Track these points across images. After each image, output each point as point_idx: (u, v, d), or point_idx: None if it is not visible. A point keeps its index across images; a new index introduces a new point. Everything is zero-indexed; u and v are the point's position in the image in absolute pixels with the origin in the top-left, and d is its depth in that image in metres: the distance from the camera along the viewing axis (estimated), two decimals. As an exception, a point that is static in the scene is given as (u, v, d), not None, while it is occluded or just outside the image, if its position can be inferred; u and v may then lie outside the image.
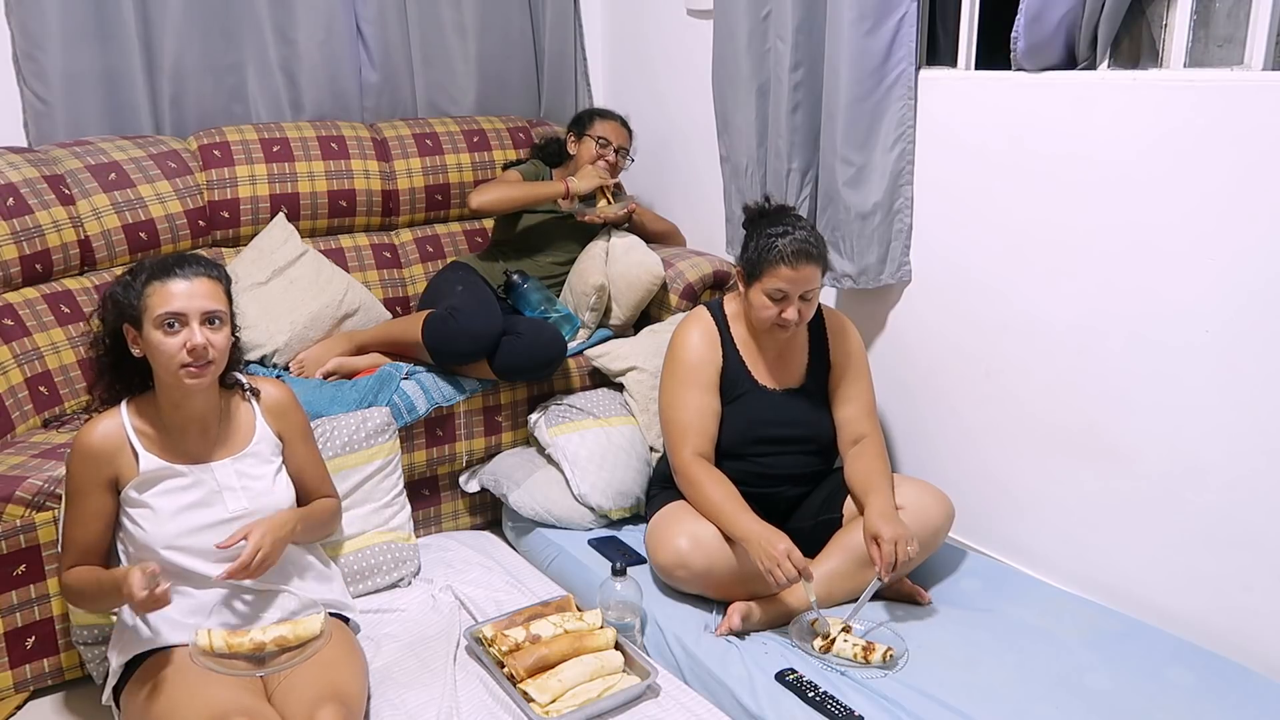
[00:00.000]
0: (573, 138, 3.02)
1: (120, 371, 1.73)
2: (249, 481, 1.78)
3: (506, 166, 3.08)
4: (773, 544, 1.93)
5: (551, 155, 3.07)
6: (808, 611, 1.99)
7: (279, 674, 1.64)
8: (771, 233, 2.09)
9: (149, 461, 1.70)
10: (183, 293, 1.64)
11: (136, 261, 1.78)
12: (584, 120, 3.03)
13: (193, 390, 1.69)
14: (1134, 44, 2.11)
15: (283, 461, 1.87)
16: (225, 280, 1.74)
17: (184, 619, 1.68)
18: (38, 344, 2.36)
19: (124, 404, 1.74)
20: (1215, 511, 2.01)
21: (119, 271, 2.58)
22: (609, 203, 2.90)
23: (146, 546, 1.69)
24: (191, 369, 1.65)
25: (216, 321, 1.68)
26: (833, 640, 1.92)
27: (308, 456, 1.93)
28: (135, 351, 1.68)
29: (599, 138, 2.96)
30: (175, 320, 1.64)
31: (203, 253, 2.74)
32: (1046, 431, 2.30)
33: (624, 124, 3.04)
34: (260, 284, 2.66)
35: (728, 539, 2.05)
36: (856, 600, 2.03)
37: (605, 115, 3.03)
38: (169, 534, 1.69)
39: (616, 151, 2.97)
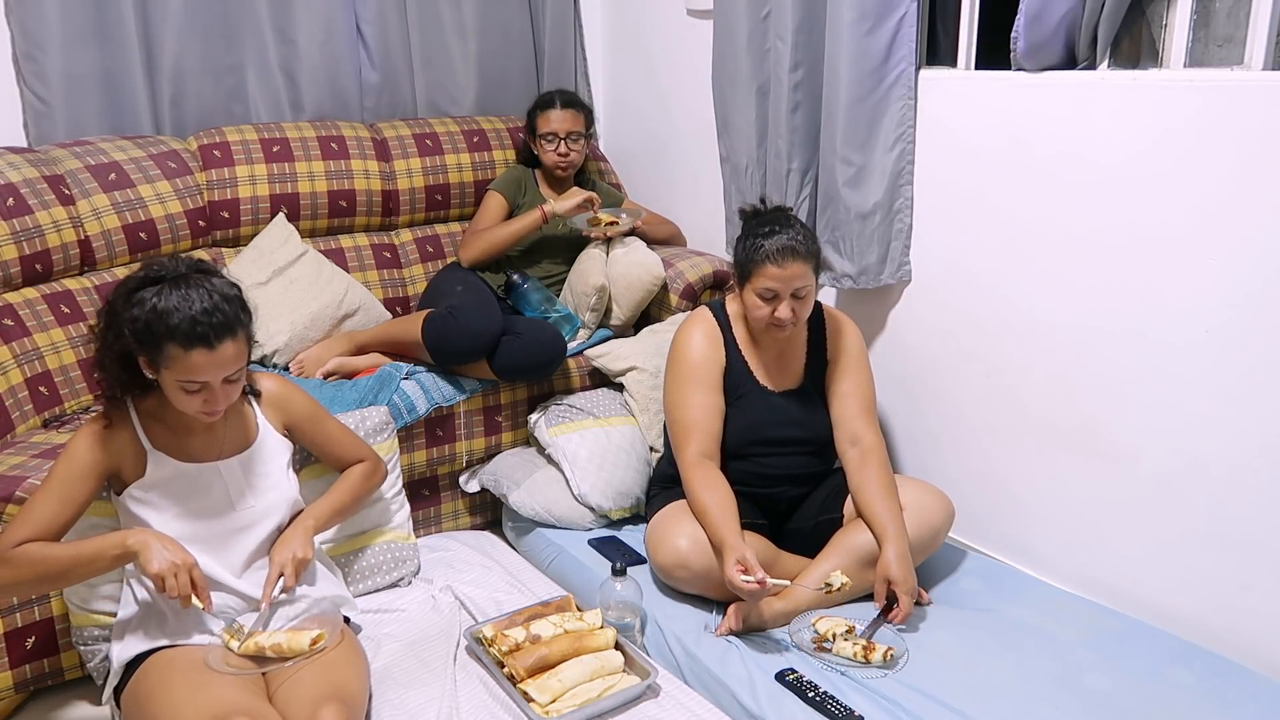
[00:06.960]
0: (530, 140, 2.99)
1: (127, 383, 1.68)
2: (255, 479, 1.78)
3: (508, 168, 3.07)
4: (727, 559, 1.92)
5: (528, 158, 3.06)
6: (807, 613, 2.00)
7: (280, 673, 1.64)
8: (759, 233, 2.09)
9: (157, 460, 1.70)
10: (206, 364, 1.57)
11: (150, 271, 1.60)
12: (531, 119, 2.95)
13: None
14: (1134, 44, 2.11)
15: (293, 453, 1.87)
16: (248, 326, 1.65)
17: (186, 619, 1.69)
18: (38, 344, 2.36)
19: (131, 403, 1.72)
20: (1215, 510, 2.01)
21: (119, 272, 2.60)
22: (595, 213, 2.85)
23: None
24: (206, 414, 1.64)
25: (237, 376, 1.64)
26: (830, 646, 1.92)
27: (325, 433, 1.94)
28: (148, 374, 1.63)
29: (544, 136, 2.91)
30: (197, 385, 1.60)
31: (203, 254, 2.76)
32: (1046, 430, 2.30)
33: (567, 104, 2.93)
34: (260, 284, 2.66)
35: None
36: (856, 601, 2.03)
37: (544, 105, 2.93)
38: (174, 533, 1.69)
39: (567, 139, 2.92)
